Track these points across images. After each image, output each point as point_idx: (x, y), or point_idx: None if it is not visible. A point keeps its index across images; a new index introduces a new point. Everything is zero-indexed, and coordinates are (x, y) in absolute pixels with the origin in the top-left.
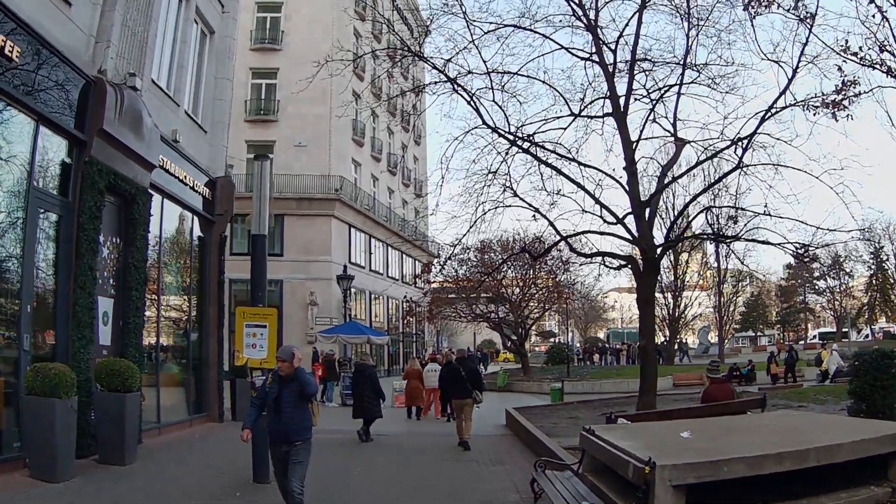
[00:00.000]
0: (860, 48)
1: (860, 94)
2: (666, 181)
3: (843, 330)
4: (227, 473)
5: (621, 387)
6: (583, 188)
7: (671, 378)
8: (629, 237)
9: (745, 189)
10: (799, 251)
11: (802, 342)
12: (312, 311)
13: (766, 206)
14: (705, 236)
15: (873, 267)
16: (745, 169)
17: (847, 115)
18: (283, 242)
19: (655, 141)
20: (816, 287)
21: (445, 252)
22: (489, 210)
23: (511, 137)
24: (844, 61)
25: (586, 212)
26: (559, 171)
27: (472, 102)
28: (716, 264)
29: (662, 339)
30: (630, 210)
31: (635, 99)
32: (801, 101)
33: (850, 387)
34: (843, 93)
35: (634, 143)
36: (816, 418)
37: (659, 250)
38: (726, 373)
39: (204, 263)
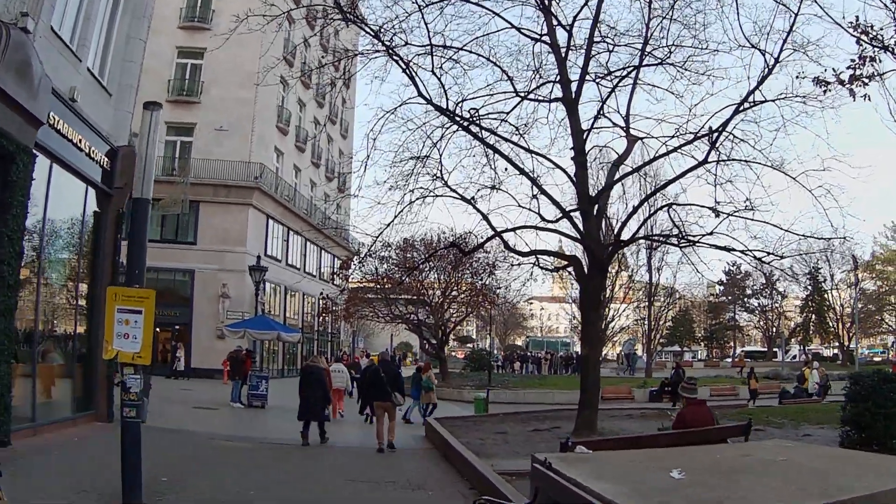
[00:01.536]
0: (871, 26)
1: (881, 74)
2: (616, 177)
3: (775, 350)
4: (92, 491)
5: (547, 398)
6: (526, 174)
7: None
8: (574, 235)
9: (706, 189)
10: (763, 259)
11: (729, 359)
12: (224, 304)
13: (743, 203)
14: (660, 237)
15: (809, 287)
16: (708, 167)
17: (864, 96)
18: (198, 230)
19: (605, 137)
20: (748, 305)
21: (366, 246)
22: (417, 199)
23: (449, 113)
24: (858, 42)
25: (524, 207)
26: (500, 154)
27: (407, 71)
28: (646, 276)
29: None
30: (576, 206)
31: (591, 81)
32: (806, 78)
33: (845, 413)
34: (858, 69)
35: (585, 133)
36: (822, 452)
37: (608, 250)
38: (657, 387)
39: (98, 242)
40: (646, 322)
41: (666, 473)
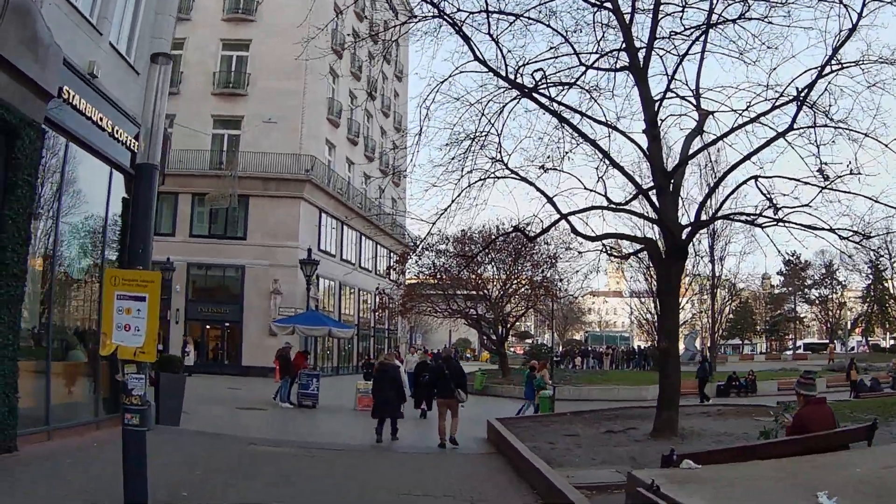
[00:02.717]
0: None
1: None
2: (690, 152)
3: (836, 342)
4: None
5: (612, 394)
6: (597, 146)
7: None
8: (649, 216)
9: (779, 168)
10: (851, 238)
11: (789, 352)
12: (276, 301)
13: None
14: (743, 215)
15: (871, 276)
16: (796, 134)
17: None
18: (248, 225)
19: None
20: (807, 296)
21: (422, 239)
22: (475, 182)
23: (509, 79)
24: None
25: (590, 190)
26: (567, 123)
27: (461, 32)
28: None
29: (648, 343)
30: (651, 183)
31: (658, 52)
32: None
33: None
34: None
35: (657, 103)
36: None
37: (687, 231)
38: (724, 382)
39: (125, 229)
40: (708, 315)
41: (810, 499)
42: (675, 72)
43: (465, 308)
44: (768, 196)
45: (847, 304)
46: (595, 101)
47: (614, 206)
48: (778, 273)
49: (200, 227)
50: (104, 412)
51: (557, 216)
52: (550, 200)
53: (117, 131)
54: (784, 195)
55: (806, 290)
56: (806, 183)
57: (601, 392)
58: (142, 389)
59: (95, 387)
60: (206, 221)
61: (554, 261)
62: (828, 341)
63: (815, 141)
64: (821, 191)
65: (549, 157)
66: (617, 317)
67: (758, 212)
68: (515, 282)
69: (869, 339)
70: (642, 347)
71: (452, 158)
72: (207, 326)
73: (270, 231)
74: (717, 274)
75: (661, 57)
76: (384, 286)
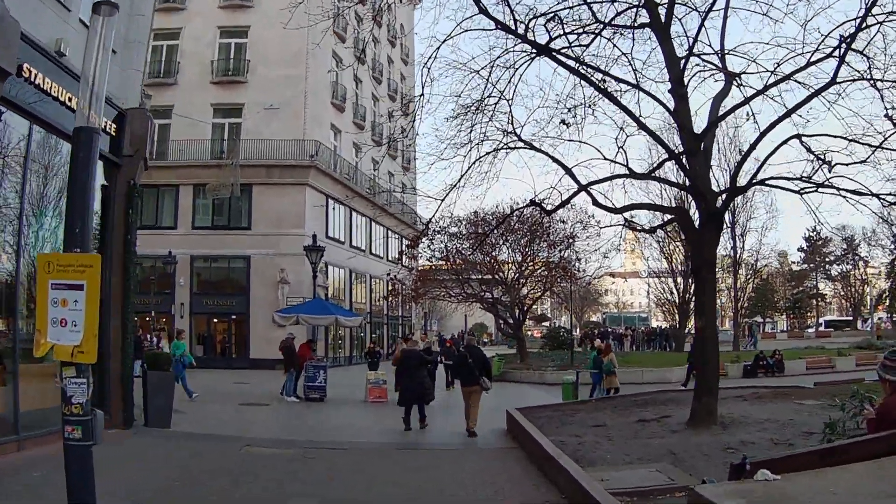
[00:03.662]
0: None
1: None
2: (720, 114)
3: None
4: None
5: (636, 376)
6: (621, 105)
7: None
8: (678, 183)
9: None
10: None
11: (811, 329)
12: (283, 291)
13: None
14: (786, 179)
15: (894, 251)
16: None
17: None
18: (252, 214)
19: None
20: (829, 272)
21: (433, 220)
22: (486, 154)
23: (521, 34)
24: None
25: (610, 160)
26: (588, 80)
27: None
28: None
29: (670, 323)
30: (679, 148)
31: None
32: None
33: None
34: None
35: (682, 61)
36: None
37: (722, 197)
38: (751, 362)
39: (106, 218)
40: (731, 292)
41: None
42: (698, 32)
43: (479, 292)
44: (818, 155)
45: (869, 281)
46: (616, 46)
47: (641, 174)
48: (799, 249)
49: (203, 218)
50: None
51: (576, 188)
52: (569, 171)
53: None
54: (821, 161)
55: (827, 266)
56: (855, 141)
57: (624, 375)
58: (83, 396)
59: None
60: (209, 213)
61: (571, 240)
62: (850, 318)
63: (878, 83)
64: (875, 150)
65: (565, 123)
66: (634, 297)
67: (801, 175)
68: (531, 263)
69: (894, 315)
70: (663, 328)
71: (459, 130)
72: (214, 320)
73: (275, 219)
74: (739, 251)
75: (680, 20)
76: (396, 272)
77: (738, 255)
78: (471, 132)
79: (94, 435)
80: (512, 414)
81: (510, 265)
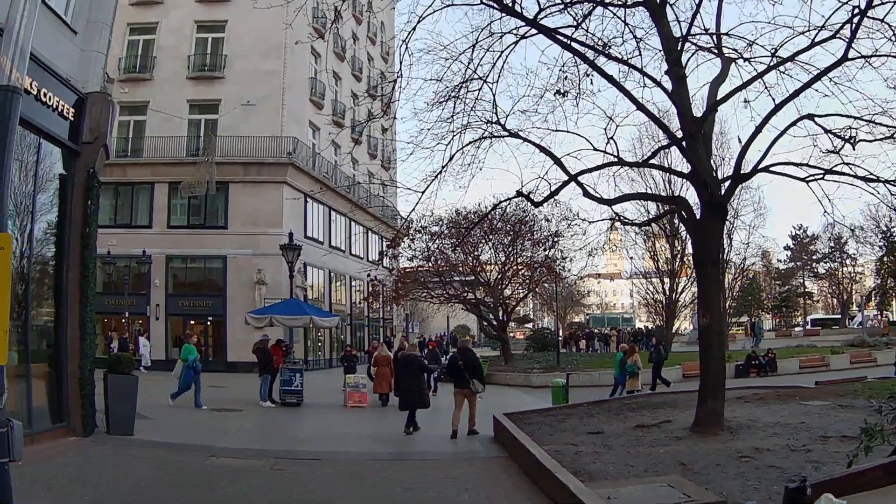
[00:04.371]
0: None
1: None
2: (718, 98)
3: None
4: None
5: None
6: (616, 83)
7: (681, 367)
8: (677, 170)
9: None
10: None
11: (799, 328)
12: (261, 292)
13: None
14: (793, 165)
15: (884, 247)
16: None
17: None
18: (228, 213)
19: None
20: (816, 270)
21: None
22: (468, 144)
23: (507, 5)
24: None
25: (601, 151)
26: (584, 59)
27: None
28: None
29: (656, 323)
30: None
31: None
32: None
33: None
34: None
35: (679, 42)
36: None
37: (726, 185)
38: (743, 361)
39: (64, 210)
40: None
41: None
42: (694, 15)
43: (462, 292)
44: (839, 133)
45: (857, 278)
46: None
47: (635, 163)
48: (785, 248)
49: (179, 217)
50: (44, 423)
51: (565, 179)
52: (557, 161)
53: (47, 96)
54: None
55: (814, 264)
56: (870, 122)
57: (612, 377)
58: None
59: (31, 395)
60: (185, 211)
61: (555, 238)
62: (838, 316)
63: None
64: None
65: (560, 93)
66: (617, 298)
67: (807, 161)
68: (514, 264)
69: (885, 312)
70: (649, 328)
71: (440, 119)
72: (192, 321)
73: (252, 218)
74: (726, 250)
75: (672, 6)
76: (376, 273)
77: (724, 254)
78: (451, 121)
79: (10, 450)
80: (500, 420)
81: (493, 266)
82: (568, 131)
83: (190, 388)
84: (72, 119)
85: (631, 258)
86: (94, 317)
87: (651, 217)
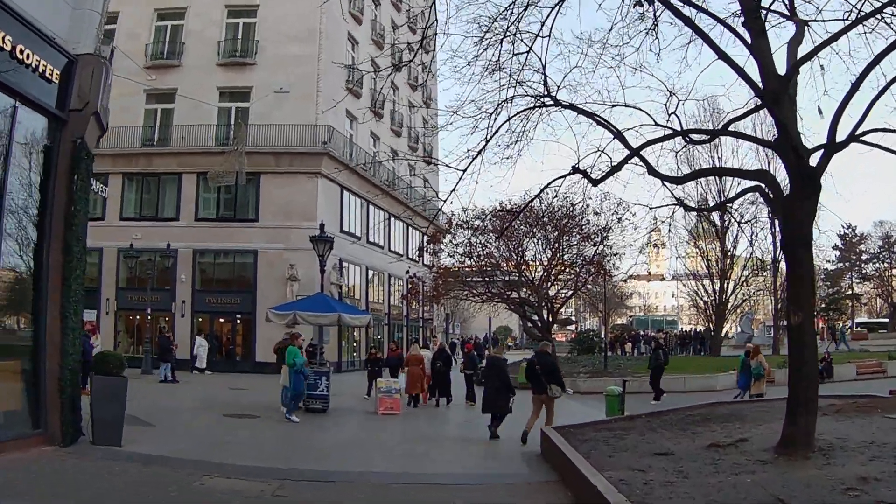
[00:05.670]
0: None
1: None
2: (800, 57)
3: None
4: None
5: (679, 384)
6: (699, 30)
7: (734, 373)
8: (759, 138)
9: None
10: None
11: (850, 330)
12: (293, 288)
13: None
14: None
15: None
16: None
17: None
18: (259, 206)
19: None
20: (864, 272)
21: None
22: (518, 113)
23: None
24: None
25: (663, 126)
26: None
27: None
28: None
29: (703, 326)
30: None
31: None
32: None
33: None
34: None
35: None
36: None
37: (818, 154)
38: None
39: (46, 187)
40: (770, 292)
41: None
42: None
43: (505, 291)
44: None
45: None
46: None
47: (711, 130)
48: (834, 248)
49: (207, 210)
50: (15, 431)
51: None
52: (618, 134)
53: (22, 52)
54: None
55: (862, 264)
56: None
57: (666, 382)
58: None
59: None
60: (214, 203)
61: (606, 233)
62: (886, 319)
63: None
64: None
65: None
66: (658, 300)
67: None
68: (560, 261)
69: None
70: (698, 330)
71: (483, 90)
72: (221, 319)
73: (285, 211)
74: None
75: None
76: (416, 270)
77: (777, 251)
78: (501, 89)
79: None
80: (549, 435)
81: (538, 263)
82: (626, 104)
83: (303, 393)
84: (57, 83)
85: (679, 257)
86: (80, 308)
87: (725, 199)
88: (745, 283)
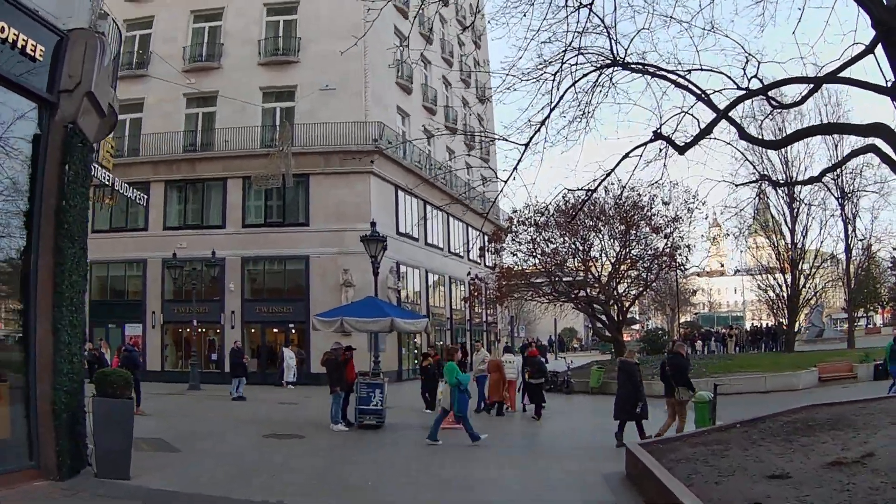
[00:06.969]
0: None
1: None
2: None
3: None
4: None
5: (758, 384)
6: None
7: (816, 370)
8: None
9: None
10: None
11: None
12: (347, 294)
13: None
14: None
15: None
16: None
17: None
18: (309, 209)
19: None
20: None
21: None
22: (584, 76)
23: None
24: None
25: (743, 90)
26: None
27: None
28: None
29: (777, 321)
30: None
31: None
32: None
33: None
34: None
35: None
36: None
37: None
38: (882, 361)
39: (34, 178)
40: (843, 282)
41: None
42: None
43: (571, 289)
44: None
45: None
46: None
47: (814, 77)
48: None
49: (255, 215)
50: (5, 463)
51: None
52: (703, 96)
53: (13, 33)
54: None
55: None
56: None
57: (745, 383)
58: None
59: None
60: (261, 208)
61: (676, 223)
62: None
63: None
64: None
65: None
66: (721, 297)
67: None
68: (629, 256)
69: None
70: (770, 326)
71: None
72: (275, 329)
73: (336, 213)
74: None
75: None
76: (478, 272)
77: (849, 237)
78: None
79: None
80: (636, 454)
81: (605, 260)
82: (702, 68)
83: (468, 415)
84: (45, 62)
85: (749, 248)
86: (79, 320)
87: (831, 165)
88: (813, 275)
